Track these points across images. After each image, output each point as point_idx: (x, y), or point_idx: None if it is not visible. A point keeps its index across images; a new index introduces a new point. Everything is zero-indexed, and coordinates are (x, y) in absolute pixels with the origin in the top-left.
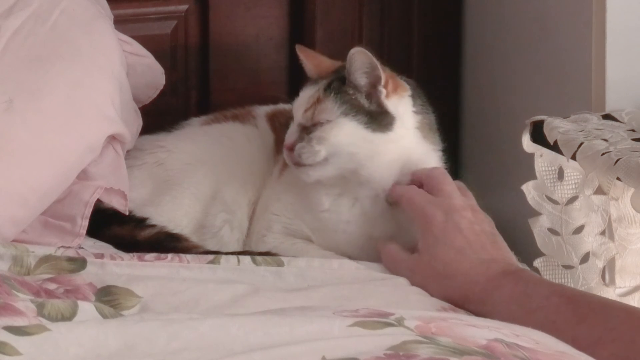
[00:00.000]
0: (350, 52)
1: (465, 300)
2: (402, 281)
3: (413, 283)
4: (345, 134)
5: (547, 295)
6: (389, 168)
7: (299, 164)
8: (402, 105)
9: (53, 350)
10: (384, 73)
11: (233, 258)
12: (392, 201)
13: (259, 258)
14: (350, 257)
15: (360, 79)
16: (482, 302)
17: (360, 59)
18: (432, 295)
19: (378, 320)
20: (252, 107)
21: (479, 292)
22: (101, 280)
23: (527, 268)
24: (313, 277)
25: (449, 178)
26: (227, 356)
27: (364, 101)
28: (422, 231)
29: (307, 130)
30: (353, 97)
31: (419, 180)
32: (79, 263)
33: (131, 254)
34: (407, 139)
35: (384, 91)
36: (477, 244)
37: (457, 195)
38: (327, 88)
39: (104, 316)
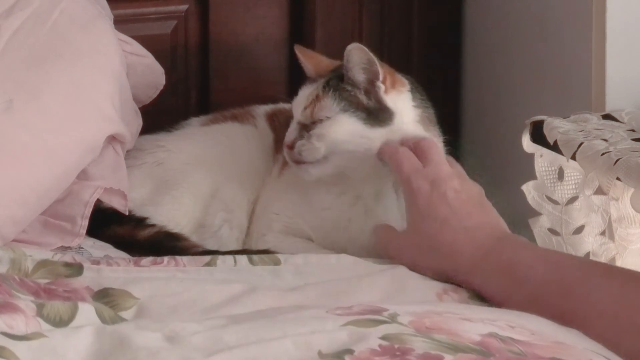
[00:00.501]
0: (348, 48)
1: (455, 273)
2: (399, 272)
3: (403, 263)
4: (344, 130)
5: (532, 264)
6: None
7: (299, 162)
8: (401, 100)
9: (50, 355)
10: (381, 68)
11: (230, 259)
12: (381, 158)
13: (255, 258)
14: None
15: (358, 74)
16: (472, 273)
17: (357, 55)
18: (422, 272)
19: (371, 317)
20: (251, 107)
21: (467, 262)
22: (98, 284)
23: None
24: (310, 273)
25: (437, 147)
26: (222, 350)
27: (362, 97)
28: (407, 205)
29: (306, 128)
30: (352, 93)
31: (407, 146)
32: (76, 269)
33: (127, 260)
34: (407, 133)
35: (382, 86)
36: (462, 212)
37: (445, 163)
38: (326, 85)
39: (104, 319)
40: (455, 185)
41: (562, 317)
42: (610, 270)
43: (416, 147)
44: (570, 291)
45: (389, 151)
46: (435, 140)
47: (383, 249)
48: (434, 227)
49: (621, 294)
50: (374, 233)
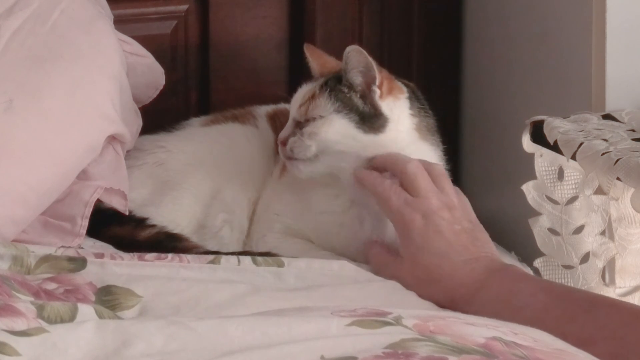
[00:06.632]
0: (346, 50)
1: (451, 303)
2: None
3: None
4: (335, 131)
5: (533, 293)
6: None
7: (291, 158)
8: (397, 107)
9: (51, 351)
10: (379, 73)
11: (233, 258)
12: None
13: (259, 258)
14: (348, 258)
15: (356, 77)
16: (468, 303)
17: (355, 57)
18: None
19: (376, 319)
20: (252, 107)
21: (465, 293)
22: (101, 280)
23: (517, 264)
24: (313, 278)
25: (423, 173)
26: (225, 355)
27: (357, 100)
28: (401, 237)
29: (300, 125)
30: (347, 95)
31: (383, 168)
32: (79, 263)
33: (131, 254)
34: (401, 141)
35: (378, 91)
36: (458, 245)
37: (434, 192)
38: (324, 85)
39: (103, 319)
40: (447, 217)
41: (565, 339)
42: (618, 302)
43: (402, 174)
44: (575, 317)
45: (371, 181)
46: (440, 155)
47: (377, 272)
48: (431, 260)
49: (631, 320)
50: (368, 256)
